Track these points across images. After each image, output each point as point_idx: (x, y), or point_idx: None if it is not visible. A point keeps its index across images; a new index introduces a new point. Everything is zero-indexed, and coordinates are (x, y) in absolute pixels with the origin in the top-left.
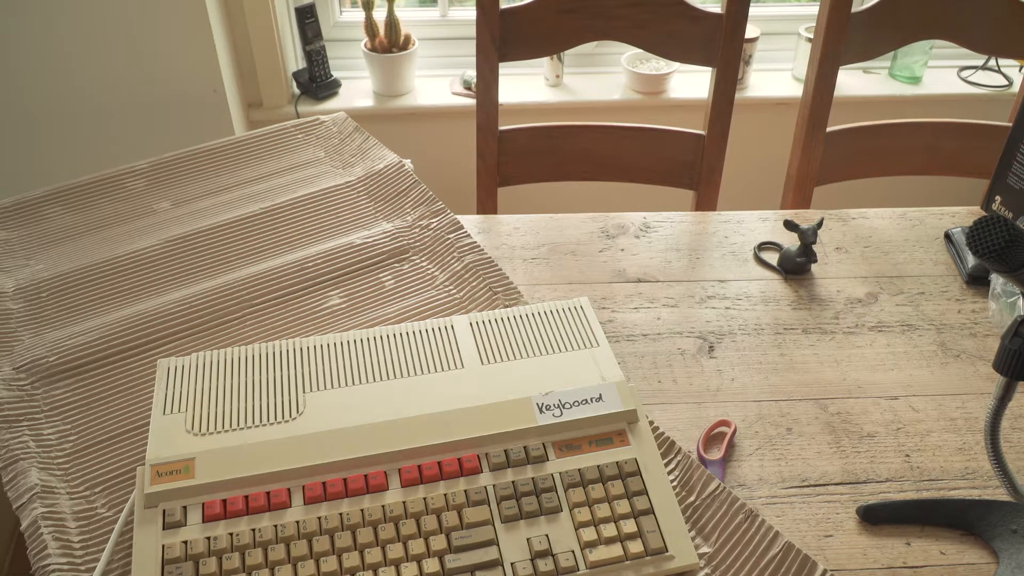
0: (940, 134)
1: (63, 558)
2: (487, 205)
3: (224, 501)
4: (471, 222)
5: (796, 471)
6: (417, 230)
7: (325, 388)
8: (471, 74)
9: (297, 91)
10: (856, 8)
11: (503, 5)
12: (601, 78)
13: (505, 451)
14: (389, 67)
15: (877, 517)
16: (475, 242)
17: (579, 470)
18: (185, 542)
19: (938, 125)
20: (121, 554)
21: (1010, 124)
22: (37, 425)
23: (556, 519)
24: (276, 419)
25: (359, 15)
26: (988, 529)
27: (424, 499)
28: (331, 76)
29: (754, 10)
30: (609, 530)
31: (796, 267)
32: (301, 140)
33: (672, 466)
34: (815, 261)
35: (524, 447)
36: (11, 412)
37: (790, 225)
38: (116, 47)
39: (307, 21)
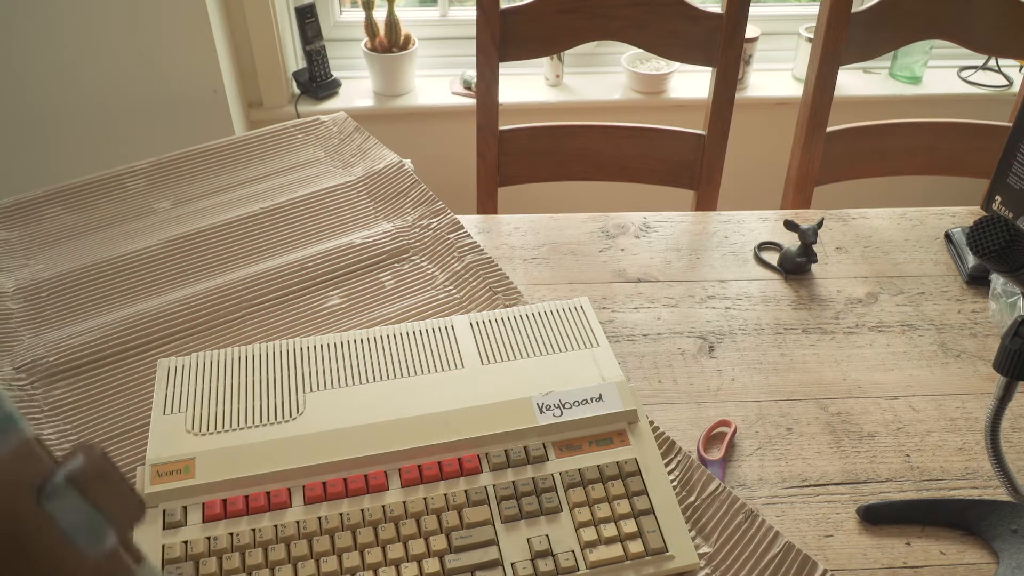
0: (940, 134)
1: None
2: (487, 205)
3: (224, 501)
4: (471, 222)
5: (796, 471)
6: (417, 230)
7: (325, 388)
8: (471, 74)
9: (297, 91)
10: (856, 8)
11: (503, 5)
12: (601, 78)
13: (505, 451)
14: (389, 67)
15: (877, 517)
16: (475, 242)
17: (579, 470)
18: (185, 542)
19: (938, 125)
20: None
21: (1010, 124)
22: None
23: (556, 519)
24: (276, 419)
25: (359, 15)
26: (988, 529)
27: (424, 499)
28: (331, 76)
29: (754, 10)
30: (609, 530)
31: (796, 267)
32: (301, 140)
33: (672, 466)
34: (815, 261)
35: (524, 447)
36: None
37: (790, 225)
38: (116, 47)
39: (307, 21)
